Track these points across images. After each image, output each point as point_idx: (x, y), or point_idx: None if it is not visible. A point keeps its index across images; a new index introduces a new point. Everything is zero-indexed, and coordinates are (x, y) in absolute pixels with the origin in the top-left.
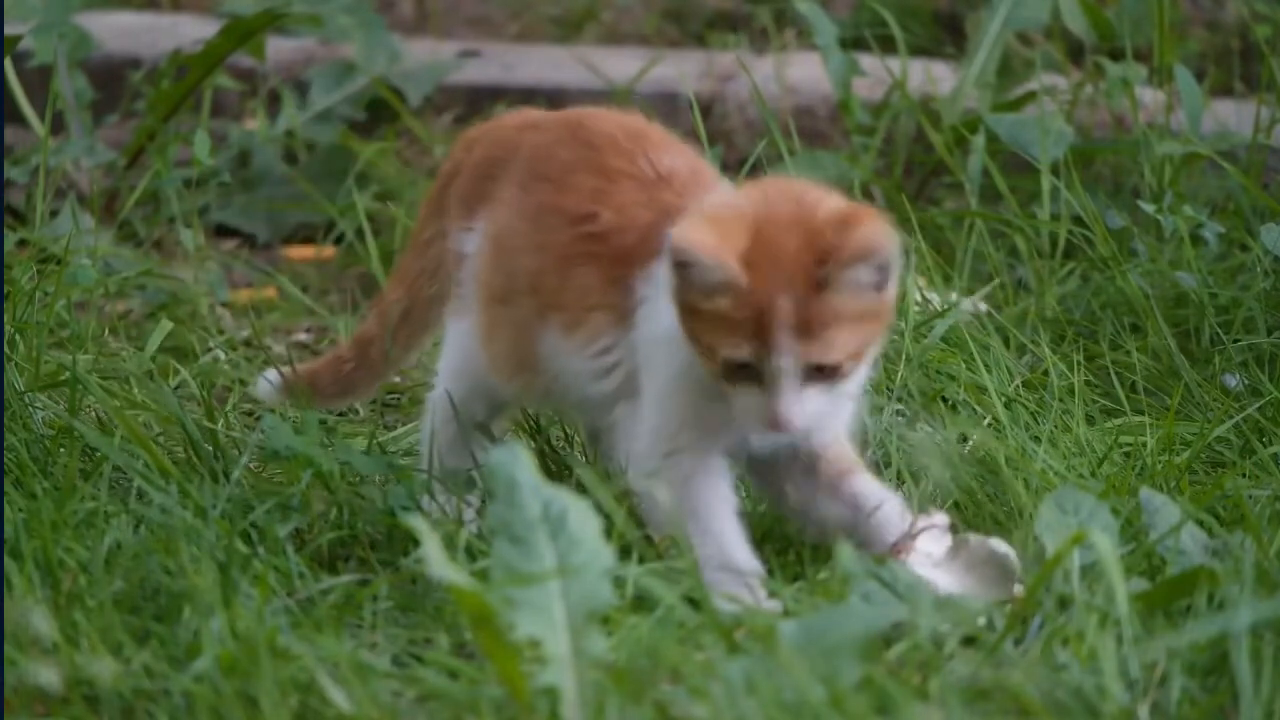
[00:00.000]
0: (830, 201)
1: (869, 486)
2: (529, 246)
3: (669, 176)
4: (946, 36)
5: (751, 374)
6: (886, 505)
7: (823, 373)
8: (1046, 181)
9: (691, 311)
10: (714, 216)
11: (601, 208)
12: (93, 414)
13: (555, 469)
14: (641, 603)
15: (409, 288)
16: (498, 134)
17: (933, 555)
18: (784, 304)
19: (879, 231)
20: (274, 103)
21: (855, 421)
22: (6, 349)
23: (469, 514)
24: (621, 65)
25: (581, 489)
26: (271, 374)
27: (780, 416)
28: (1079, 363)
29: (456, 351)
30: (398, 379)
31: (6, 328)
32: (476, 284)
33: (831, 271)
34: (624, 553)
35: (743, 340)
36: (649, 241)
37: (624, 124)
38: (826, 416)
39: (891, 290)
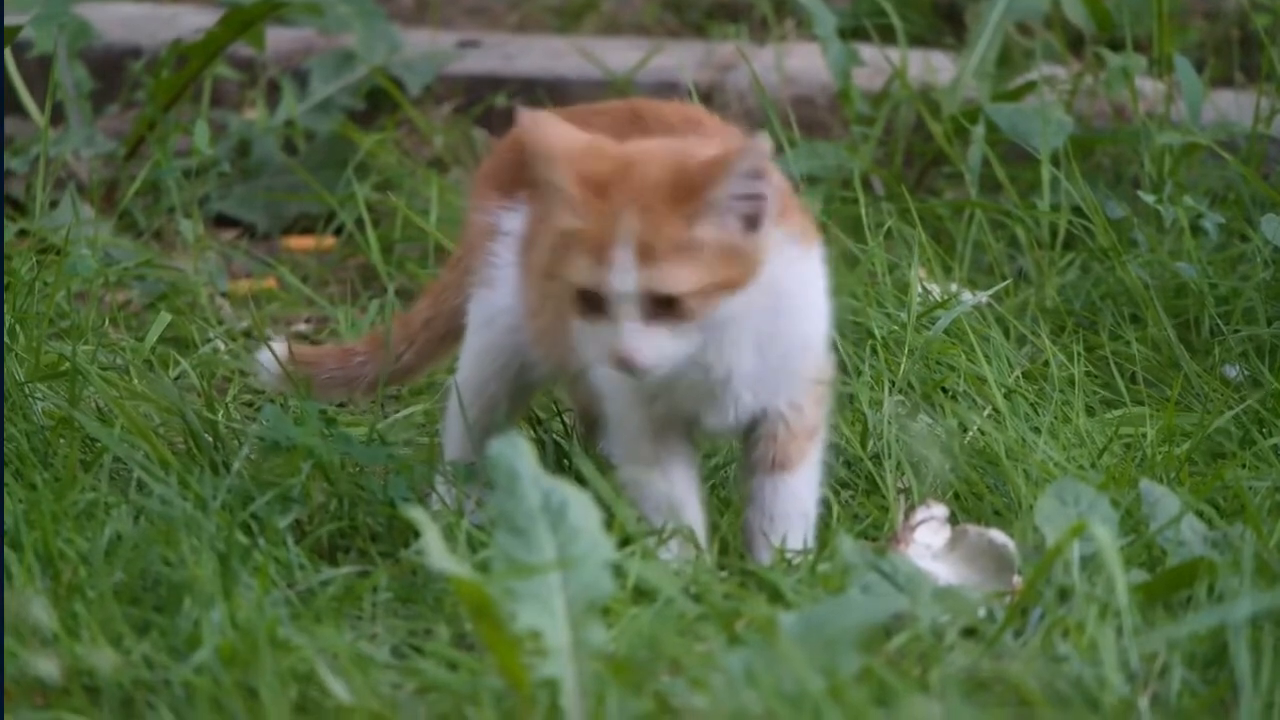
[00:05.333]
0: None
1: (790, 502)
2: None
3: None
4: (946, 26)
5: (596, 303)
6: (790, 534)
7: (669, 307)
8: (1046, 172)
9: (551, 239)
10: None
11: None
12: (93, 405)
13: (556, 460)
14: (642, 594)
15: (435, 298)
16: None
17: (932, 547)
18: (628, 222)
19: (754, 151)
20: (274, 92)
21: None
22: (6, 339)
23: (469, 505)
24: (621, 55)
25: (582, 480)
26: (273, 351)
27: (622, 351)
28: (1079, 353)
29: (481, 328)
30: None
31: (6, 318)
32: (525, 261)
33: (694, 189)
34: (624, 544)
35: (586, 260)
36: None
37: (681, 111)
38: (675, 357)
39: (762, 235)
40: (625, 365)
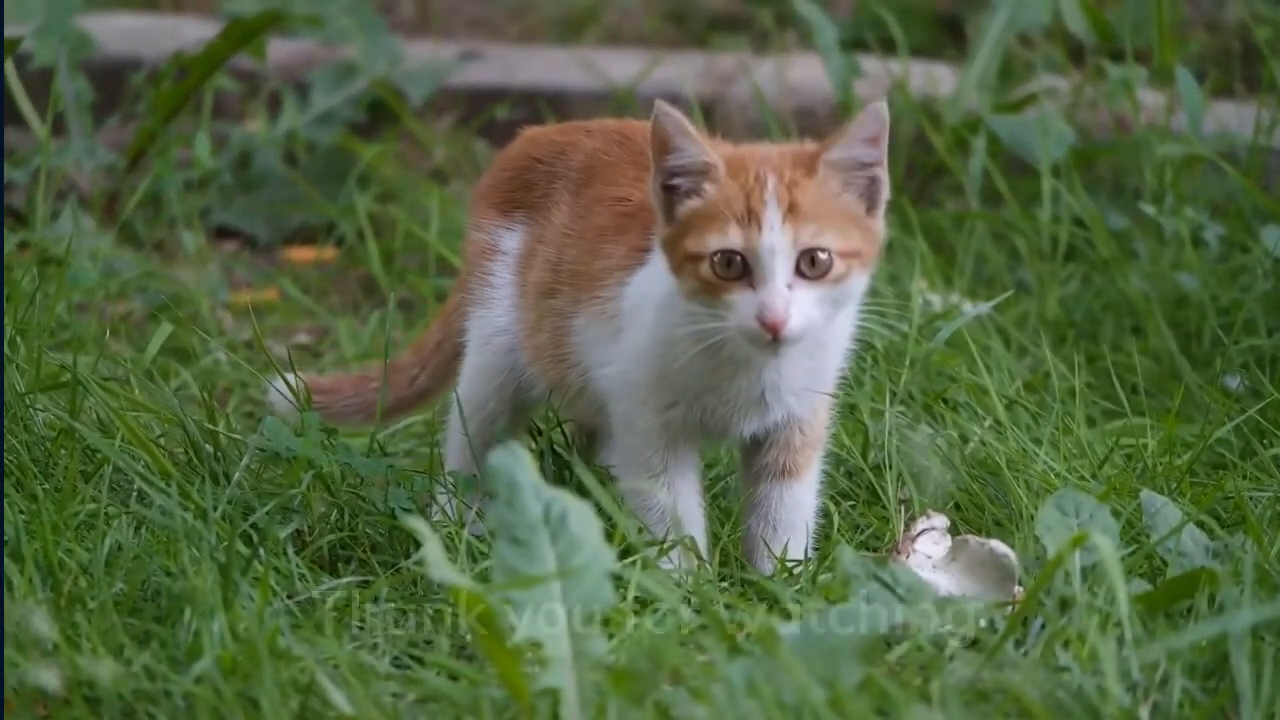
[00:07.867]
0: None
1: (795, 510)
2: (575, 239)
3: None
4: (947, 38)
5: (741, 269)
6: (794, 541)
7: (815, 267)
8: (1047, 183)
9: (678, 229)
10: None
11: (634, 190)
12: (93, 415)
13: (556, 471)
14: (643, 604)
15: (445, 320)
16: (533, 141)
17: (933, 557)
18: (772, 183)
19: (871, 116)
20: (275, 104)
21: (835, 393)
22: (7, 350)
23: (470, 515)
24: (623, 67)
25: (582, 491)
26: (282, 385)
27: (771, 311)
28: (1080, 364)
29: (479, 347)
30: None
31: (7, 329)
32: (522, 281)
33: (821, 151)
34: (625, 554)
35: (731, 225)
36: None
37: None
38: (815, 323)
39: (878, 221)
40: (772, 327)
